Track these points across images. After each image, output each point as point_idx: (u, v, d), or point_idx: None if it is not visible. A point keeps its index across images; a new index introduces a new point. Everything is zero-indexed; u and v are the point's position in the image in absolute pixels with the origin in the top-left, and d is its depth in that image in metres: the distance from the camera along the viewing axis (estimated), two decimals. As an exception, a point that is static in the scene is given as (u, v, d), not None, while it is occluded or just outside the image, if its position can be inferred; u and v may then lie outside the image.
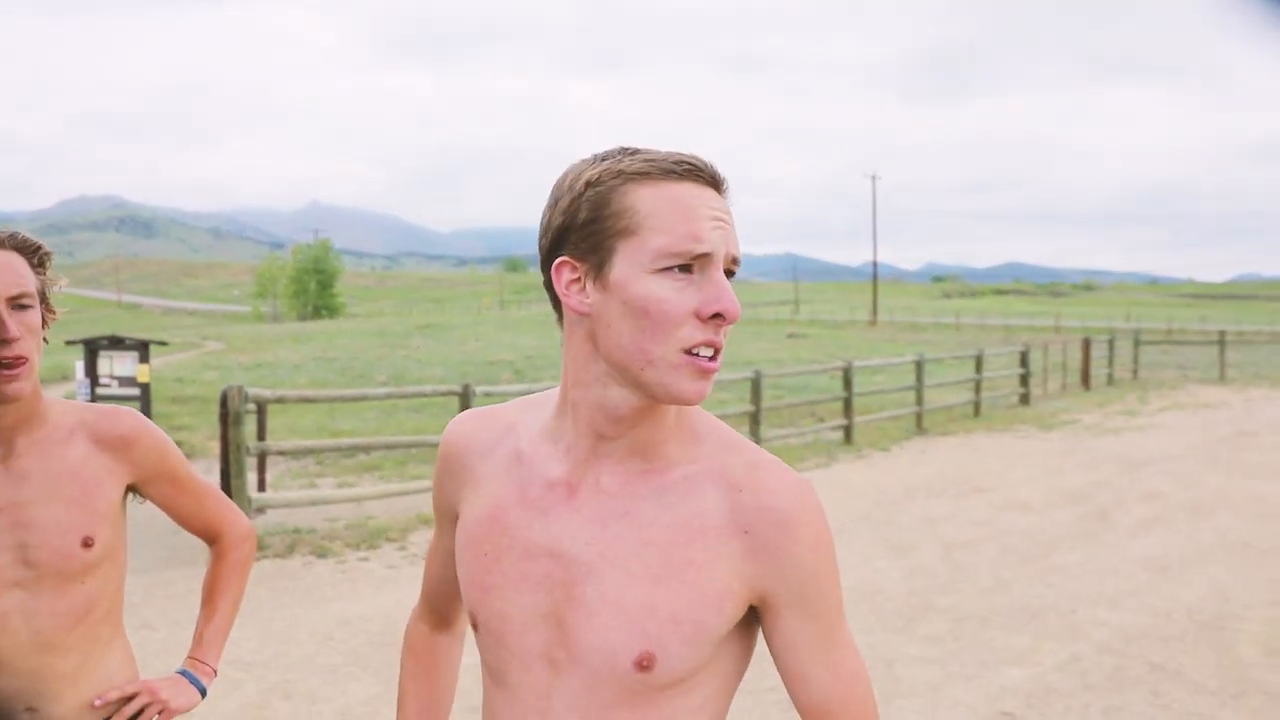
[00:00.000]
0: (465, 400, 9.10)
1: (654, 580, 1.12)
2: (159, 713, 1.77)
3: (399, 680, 1.47)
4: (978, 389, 17.61)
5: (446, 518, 1.32)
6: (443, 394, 9.66)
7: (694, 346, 1.09)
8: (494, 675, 1.21)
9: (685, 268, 1.09)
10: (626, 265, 1.10)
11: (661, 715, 1.13)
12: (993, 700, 4.63)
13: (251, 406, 8.15)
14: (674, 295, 1.09)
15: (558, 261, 1.15)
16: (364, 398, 9.90)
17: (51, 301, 1.69)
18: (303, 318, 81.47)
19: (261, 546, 7.50)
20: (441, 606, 1.43)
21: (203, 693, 1.85)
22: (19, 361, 1.57)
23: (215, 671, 1.88)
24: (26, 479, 1.65)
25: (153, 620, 5.83)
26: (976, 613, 5.98)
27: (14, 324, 1.56)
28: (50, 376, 23.32)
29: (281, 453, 9.50)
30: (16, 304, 1.57)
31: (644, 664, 1.10)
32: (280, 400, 8.34)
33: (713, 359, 1.10)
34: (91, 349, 11.87)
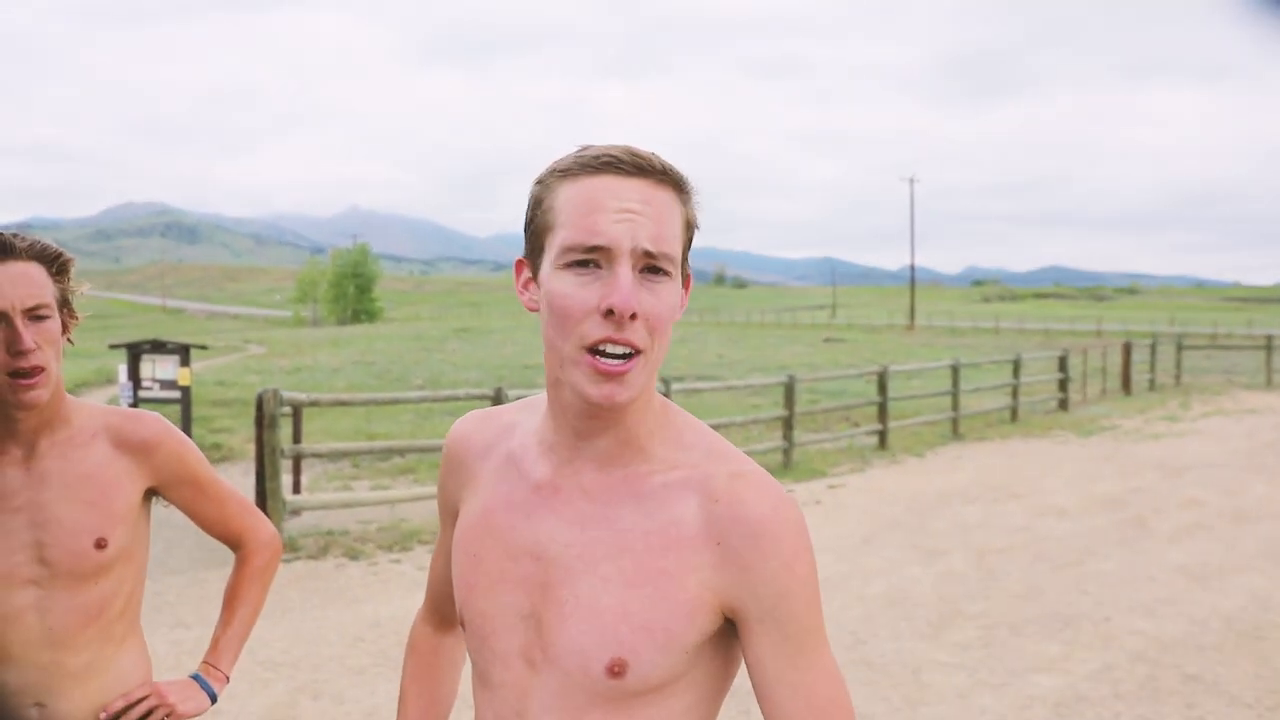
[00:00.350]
0: (498, 403, 9.15)
1: (627, 586, 1.11)
2: (166, 716, 1.79)
3: (401, 680, 1.48)
4: (1015, 394, 17.42)
5: (449, 517, 1.33)
6: (476, 397, 9.72)
7: (595, 343, 1.07)
8: (479, 674, 1.22)
9: (588, 262, 1.07)
10: (546, 261, 1.11)
11: None
12: (1021, 709, 4.58)
13: (287, 410, 8.25)
14: (576, 290, 1.07)
15: (516, 260, 1.18)
16: (397, 401, 9.98)
17: (74, 307, 1.72)
18: (342, 322, 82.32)
19: (295, 548, 7.59)
20: (444, 607, 1.43)
21: (213, 698, 1.86)
22: (36, 371, 1.61)
23: (228, 677, 1.90)
24: (45, 480, 1.69)
25: (187, 619, 5.92)
26: (1007, 620, 5.92)
27: (29, 335, 1.59)
28: (95, 379, 23.73)
29: (316, 455, 9.61)
30: (34, 315, 1.61)
31: (615, 670, 1.10)
32: (314, 404, 8.44)
33: (625, 359, 1.07)
34: (134, 353, 12.09)
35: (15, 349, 1.58)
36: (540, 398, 1.27)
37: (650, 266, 1.08)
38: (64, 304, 1.68)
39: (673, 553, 1.11)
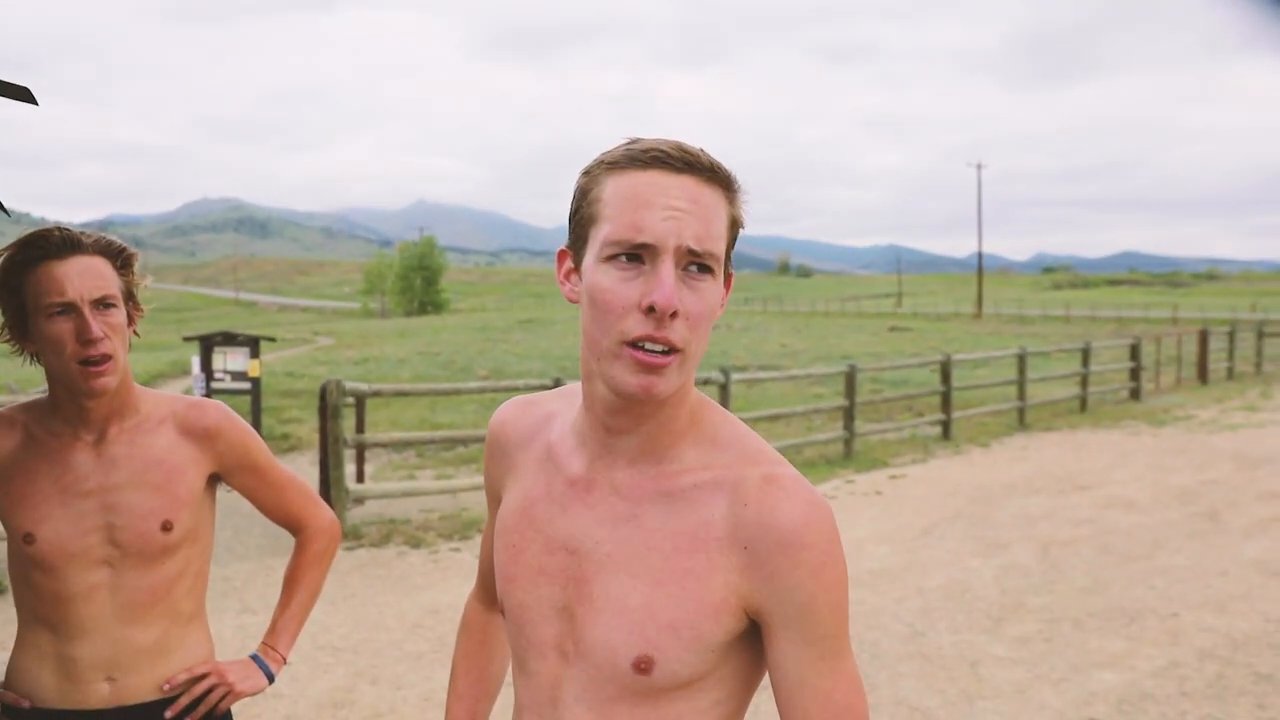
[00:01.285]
0: (555, 394, 9.21)
1: (654, 585, 1.12)
2: (225, 694, 1.87)
3: (453, 656, 1.53)
4: (1084, 383, 17.01)
5: (495, 501, 1.36)
6: (535, 387, 9.81)
7: (635, 340, 1.07)
8: (517, 660, 1.25)
9: (634, 257, 1.07)
10: (590, 254, 1.12)
11: (664, 716, 1.14)
12: (1081, 705, 4.49)
13: (350, 400, 8.41)
14: (618, 285, 1.07)
15: (559, 250, 1.19)
16: (459, 391, 10.11)
17: (139, 300, 1.79)
18: (409, 313, 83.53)
19: (357, 536, 7.74)
20: (494, 586, 1.45)
21: (270, 678, 1.94)
22: (104, 359, 1.69)
23: (285, 659, 1.97)
24: (115, 465, 1.78)
25: (253, 604, 6.07)
26: (1070, 614, 5.80)
27: (98, 325, 1.67)
28: (170, 371, 24.39)
29: (379, 445, 9.78)
30: (101, 305, 1.68)
31: (642, 666, 1.12)
32: (377, 394, 8.57)
33: (665, 354, 1.07)
34: (207, 345, 12.44)
35: (84, 338, 1.66)
36: (577, 386, 1.27)
37: (694, 264, 1.08)
38: (129, 297, 1.76)
39: (700, 554, 1.12)
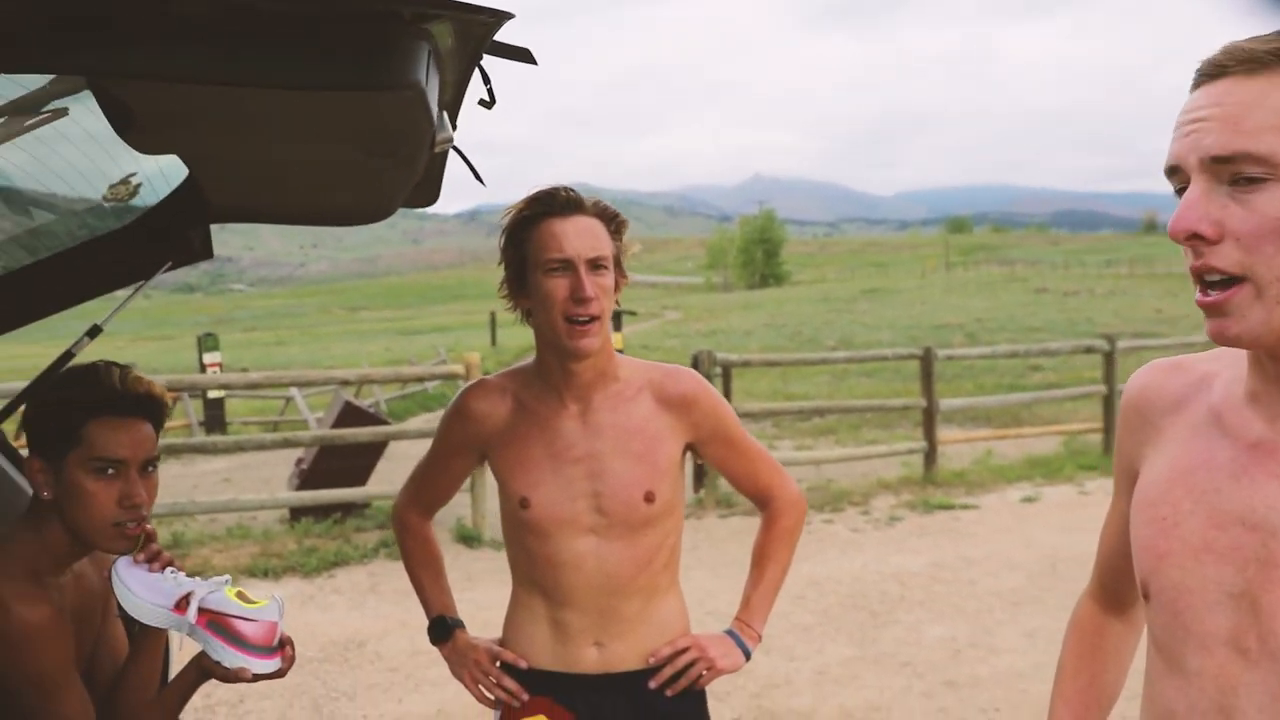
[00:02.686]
0: (927, 364, 8.83)
1: None
2: (706, 669, 1.83)
3: (1060, 655, 1.38)
4: None
5: (1125, 478, 1.19)
6: (903, 357, 9.48)
7: None
8: (1165, 656, 1.06)
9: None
10: None
11: None
12: None
13: (718, 370, 8.55)
14: None
15: None
16: (824, 361, 10.00)
17: (625, 268, 1.80)
18: (751, 286, 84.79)
19: (730, 504, 7.85)
20: (1115, 584, 1.30)
21: (747, 655, 1.89)
22: (591, 320, 1.70)
23: (760, 636, 1.91)
24: (601, 433, 1.78)
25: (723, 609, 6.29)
26: None
27: (590, 284, 1.68)
28: (532, 348, 26.37)
29: (744, 415, 9.88)
30: (594, 266, 1.69)
31: None
32: (746, 364, 8.64)
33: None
34: (575, 319, 13.22)
35: (577, 295, 1.67)
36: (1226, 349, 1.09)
37: (1237, 177, 0.90)
38: (617, 262, 1.77)
39: None
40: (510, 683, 1.85)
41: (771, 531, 1.94)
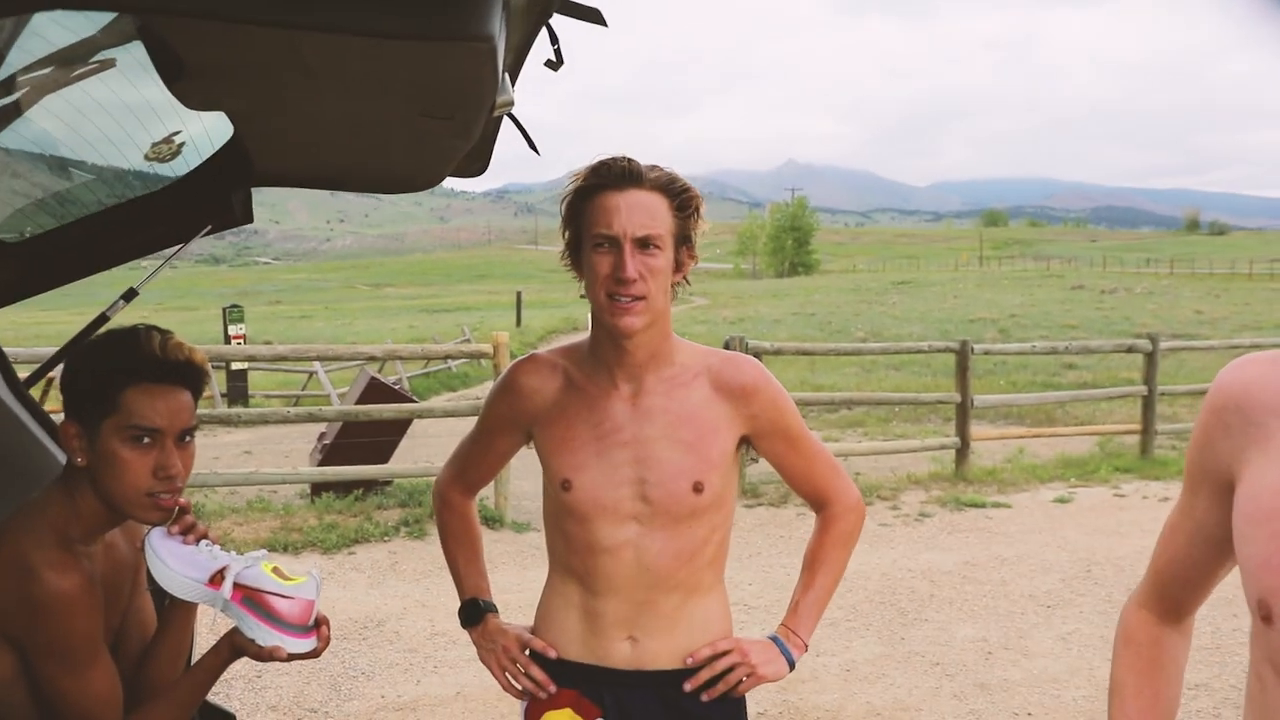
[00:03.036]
0: (962, 358, 8.69)
1: None
2: (746, 675, 1.72)
3: (1113, 669, 1.28)
4: None
5: (1210, 484, 1.10)
6: (938, 350, 9.34)
7: None
8: None
9: None
10: None
11: None
12: None
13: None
14: None
15: None
16: (858, 352, 9.85)
17: (695, 246, 1.68)
18: (780, 274, 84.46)
19: (756, 495, 7.76)
20: (1176, 593, 1.21)
21: (791, 664, 1.76)
22: (634, 299, 1.58)
23: (806, 645, 1.79)
24: (650, 417, 1.68)
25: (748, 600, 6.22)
26: None
27: (634, 264, 1.57)
28: (562, 328, 26.27)
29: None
30: (643, 244, 1.58)
31: None
32: (778, 352, 8.53)
33: None
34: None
35: (618, 275, 1.57)
36: None
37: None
38: (683, 241, 1.65)
39: None
40: (538, 672, 1.76)
41: (827, 536, 1.83)
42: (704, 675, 1.71)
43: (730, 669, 1.71)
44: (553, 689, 1.75)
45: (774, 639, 1.77)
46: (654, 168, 1.62)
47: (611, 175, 1.59)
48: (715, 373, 1.71)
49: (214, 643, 1.63)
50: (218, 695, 4.17)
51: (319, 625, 1.61)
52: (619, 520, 1.68)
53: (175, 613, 1.71)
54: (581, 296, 1.68)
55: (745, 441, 1.75)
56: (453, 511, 1.94)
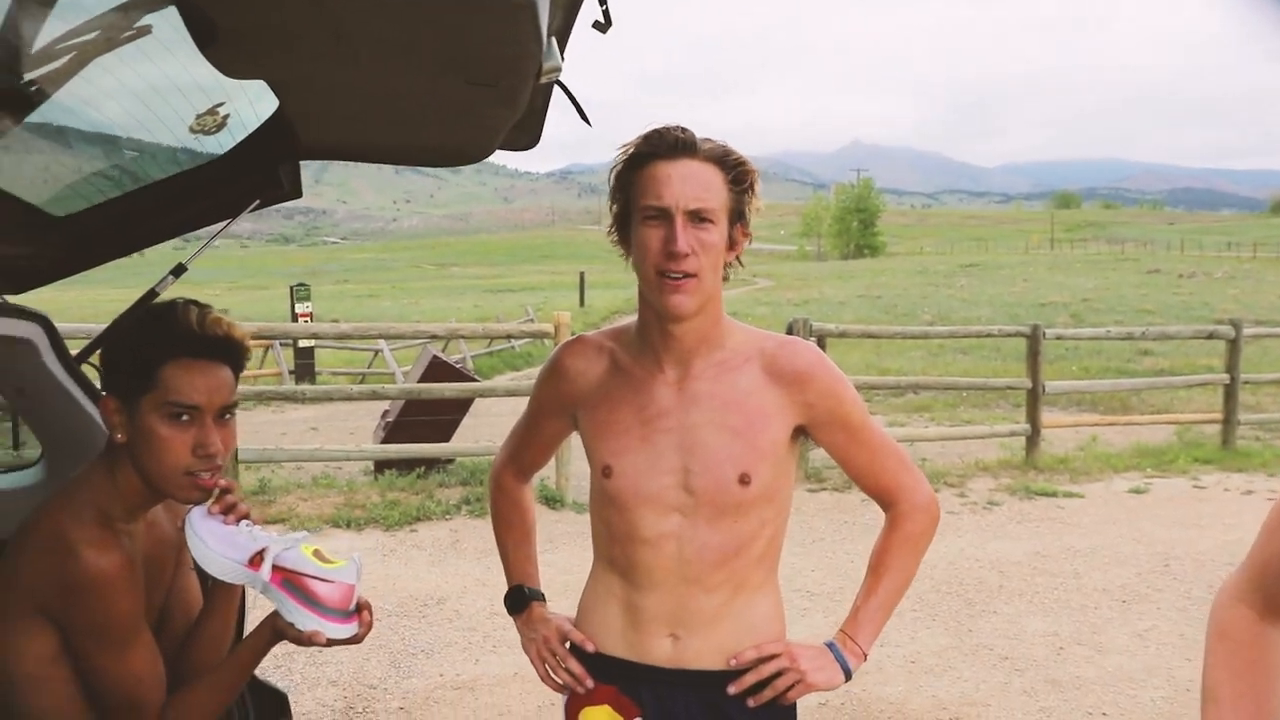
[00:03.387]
0: (1034, 343, 8.44)
1: None
2: (796, 682, 1.60)
3: (1206, 668, 1.17)
4: None
5: None
6: (1009, 334, 9.09)
7: None
8: None
9: None
10: None
11: None
12: None
13: (813, 340, 8.31)
14: None
15: None
16: (925, 336, 9.64)
17: (749, 223, 1.57)
18: (845, 256, 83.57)
19: (820, 479, 7.63)
20: (1273, 591, 1.10)
21: (847, 674, 1.63)
22: (685, 276, 1.48)
23: (865, 654, 1.65)
24: (697, 402, 1.58)
25: (811, 587, 5.55)
26: None
27: (685, 238, 1.47)
28: (627, 308, 26.14)
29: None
30: (696, 218, 1.48)
31: None
32: (843, 335, 8.38)
33: None
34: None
35: (670, 249, 1.47)
36: None
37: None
38: (738, 217, 1.54)
39: None
40: (576, 666, 1.69)
41: (894, 536, 1.69)
42: (749, 679, 1.60)
43: (778, 674, 1.60)
44: (590, 684, 1.67)
45: (830, 645, 1.64)
46: (708, 140, 1.51)
47: (664, 144, 1.49)
48: (769, 357, 1.59)
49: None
50: (280, 668, 4.23)
51: (360, 610, 1.56)
52: (661, 510, 1.58)
53: (220, 593, 1.68)
54: (628, 270, 1.59)
55: (802, 432, 1.63)
56: (505, 495, 1.88)
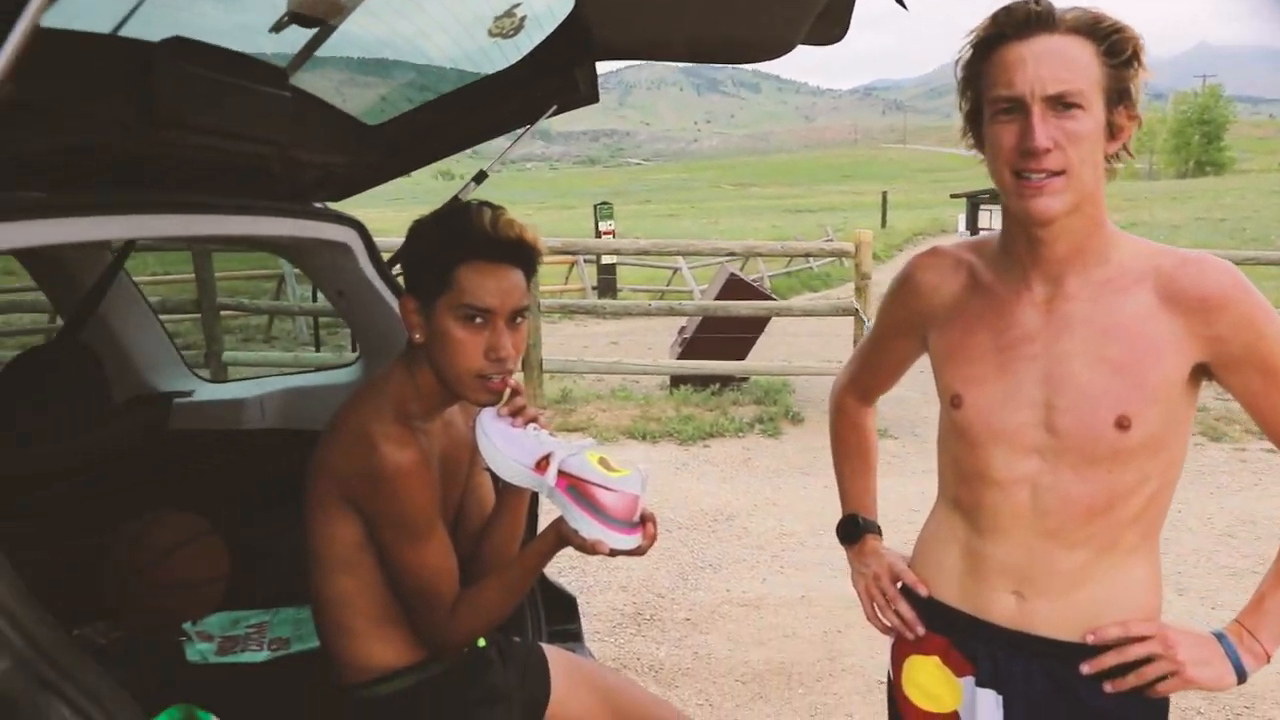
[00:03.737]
0: None
1: None
2: (1169, 674, 1.34)
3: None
4: None
5: None
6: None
7: None
8: None
9: None
10: None
11: None
12: None
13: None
14: None
15: None
16: (1256, 261, 8.43)
17: (1136, 104, 1.28)
18: (1182, 175, 75.29)
19: (1215, 435, 6.90)
20: None
21: (1240, 674, 1.32)
22: (1046, 174, 1.24)
23: (1269, 655, 1.33)
24: (1068, 327, 1.33)
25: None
26: None
27: (1045, 130, 1.22)
28: (929, 229, 25.01)
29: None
30: (1060, 104, 1.23)
31: None
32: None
33: None
34: (974, 203, 12.29)
35: (1025, 146, 1.24)
36: None
37: None
38: (1119, 97, 1.25)
39: None
40: (906, 610, 1.54)
41: None
42: (1109, 659, 1.35)
43: (1147, 660, 1.34)
44: (920, 631, 1.51)
45: (1219, 636, 1.35)
46: (1073, 8, 1.24)
47: (1014, 21, 1.24)
48: (1166, 276, 1.29)
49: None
50: (575, 568, 4.42)
51: (644, 522, 1.52)
52: (1017, 451, 1.36)
53: (510, 494, 1.71)
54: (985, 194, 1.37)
55: (1204, 371, 1.32)
56: (845, 418, 1.73)
